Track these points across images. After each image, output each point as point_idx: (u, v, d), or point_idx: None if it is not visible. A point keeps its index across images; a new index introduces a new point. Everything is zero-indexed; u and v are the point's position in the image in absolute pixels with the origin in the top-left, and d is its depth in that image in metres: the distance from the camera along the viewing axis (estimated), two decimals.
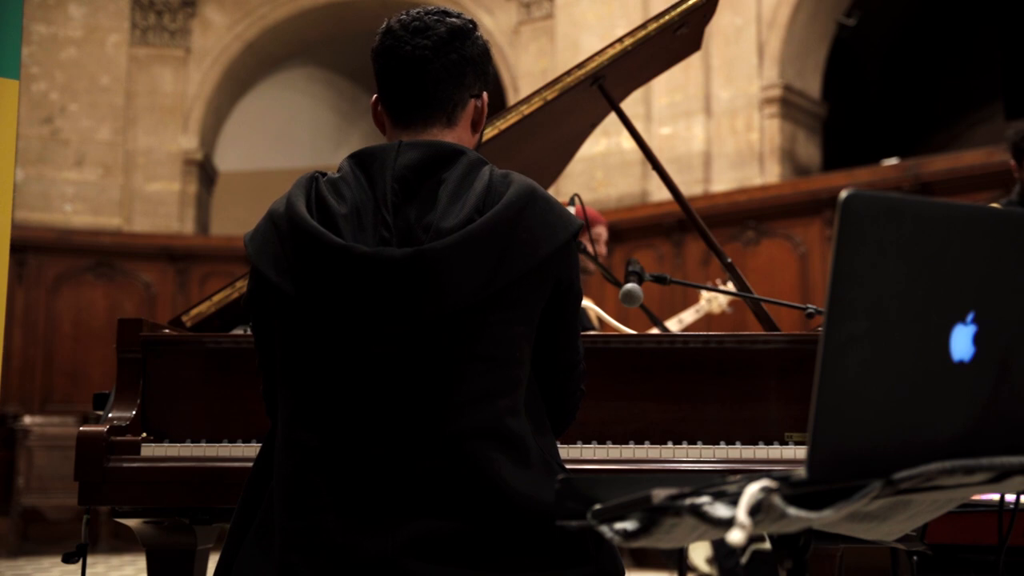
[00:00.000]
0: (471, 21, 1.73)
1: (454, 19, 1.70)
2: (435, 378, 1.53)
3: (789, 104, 8.11)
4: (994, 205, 3.43)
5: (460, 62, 1.68)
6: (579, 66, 2.48)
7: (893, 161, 7.46)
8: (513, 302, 1.55)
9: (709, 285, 3.43)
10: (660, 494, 0.98)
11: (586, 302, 2.74)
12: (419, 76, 1.67)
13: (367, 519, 1.50)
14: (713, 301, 4.71)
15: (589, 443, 2.09)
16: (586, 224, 3.70)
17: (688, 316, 4.72)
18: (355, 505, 1.50)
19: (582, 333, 1.75)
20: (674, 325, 4.65)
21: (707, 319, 4.80)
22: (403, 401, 1.53)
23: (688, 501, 0.97)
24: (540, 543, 1.51)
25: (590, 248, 3.62)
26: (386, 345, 1.53)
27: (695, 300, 5.07)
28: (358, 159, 1.63)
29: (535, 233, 1.56)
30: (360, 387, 1.54)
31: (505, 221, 1.54)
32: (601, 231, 3.95)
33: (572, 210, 3.07)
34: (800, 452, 2.06)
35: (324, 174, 1.65)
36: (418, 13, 1.70)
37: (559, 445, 2.05)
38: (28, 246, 8.39)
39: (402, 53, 1.66)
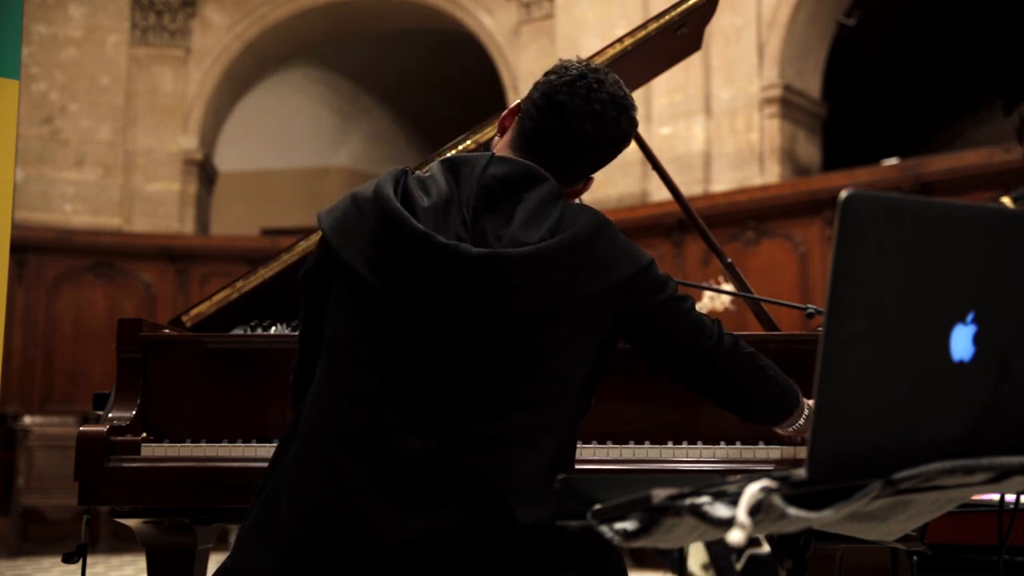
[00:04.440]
0: (634, 120, 1.76)
1: (626, 120, 1.73)
2: (487, 379, 1.55)
3: (789, 104, 8.11)
4: (1004, 200, 3.36)
5: (603, 157, 1.75)
6: None
7: (893, 161, 7.46)
8: (575, 321, 1.58)
9: (708, 285, 3.42)
10: (660, 494, 0.98)
11: None
12: (566, 149, 1.71)
13: (394, 506, 1.50)
14: (716, 298, 4.72)
15: (589, 443, 2.09)
16: None
17: None
18: (387, 492, 1.51)
19: None
20: None
21: None
22: (450, 396, 1.55)
23: (688, 501, 0.97)
24: (547, 549, 1.53)
25: None
26: (447, 339, 1.55)
27: (696, 299, 5.07)
28: (448, 163, 1.67)
29: (607, 260, 1.61)
30: (413, 376, 1.56)
31: (580, 244, 1.58)
32: None
33: None
34: (800, 452, 2.06)
35: (414, 170, 1.68)
36: (607, 93, 1.72)
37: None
38: (28, 246, 8.39)
39: (567, 126, 1.70)
